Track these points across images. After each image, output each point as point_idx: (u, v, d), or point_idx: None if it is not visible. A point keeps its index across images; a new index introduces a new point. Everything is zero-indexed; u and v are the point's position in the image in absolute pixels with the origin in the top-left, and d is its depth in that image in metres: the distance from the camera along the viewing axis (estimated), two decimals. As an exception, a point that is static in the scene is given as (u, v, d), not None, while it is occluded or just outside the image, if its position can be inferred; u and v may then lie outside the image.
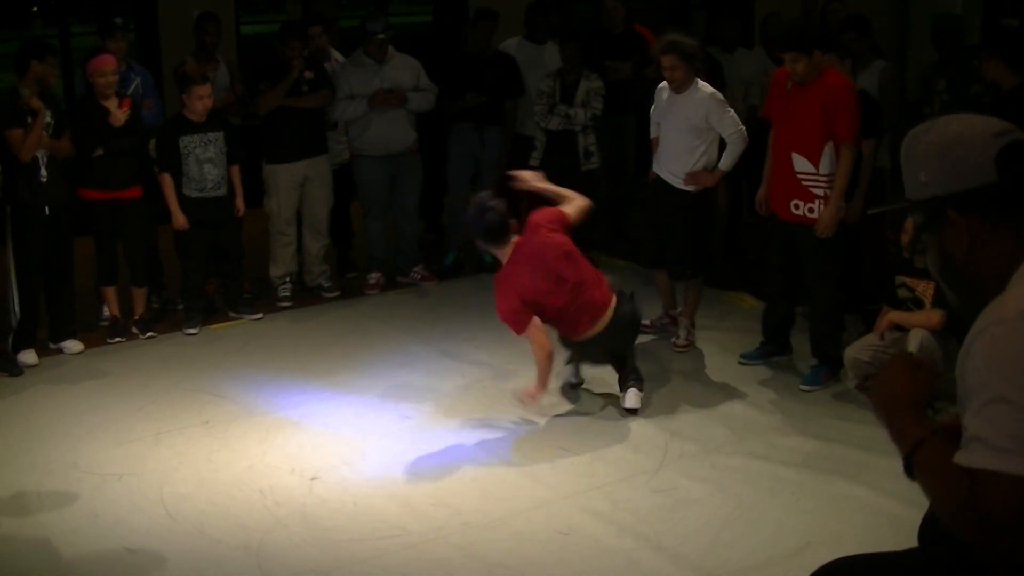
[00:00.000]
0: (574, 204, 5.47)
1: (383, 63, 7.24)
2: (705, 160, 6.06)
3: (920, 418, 2.06)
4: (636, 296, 5.57)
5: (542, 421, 5.36)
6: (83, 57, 6.84)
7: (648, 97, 6.39)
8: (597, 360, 5.55)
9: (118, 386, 5.86)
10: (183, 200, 6.52)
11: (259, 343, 6.50)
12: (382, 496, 4.63)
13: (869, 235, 6.32)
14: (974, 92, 6.39)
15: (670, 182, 6.11)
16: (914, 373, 2.11)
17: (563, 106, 7.44)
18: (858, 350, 5.47)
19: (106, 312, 6.63)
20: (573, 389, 5.64)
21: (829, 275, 5.64)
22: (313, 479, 4.80)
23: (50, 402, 5.66)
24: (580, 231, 7.87)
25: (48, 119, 5.99)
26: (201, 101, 6.44)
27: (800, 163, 5.53)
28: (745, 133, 6.01)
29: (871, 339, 5.45)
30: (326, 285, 7.33)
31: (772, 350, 6.04)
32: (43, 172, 6.01)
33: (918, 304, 5.39)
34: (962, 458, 1.89)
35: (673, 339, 6.31)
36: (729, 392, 5.70)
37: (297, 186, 7.12)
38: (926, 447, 2.00)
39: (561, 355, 5.46)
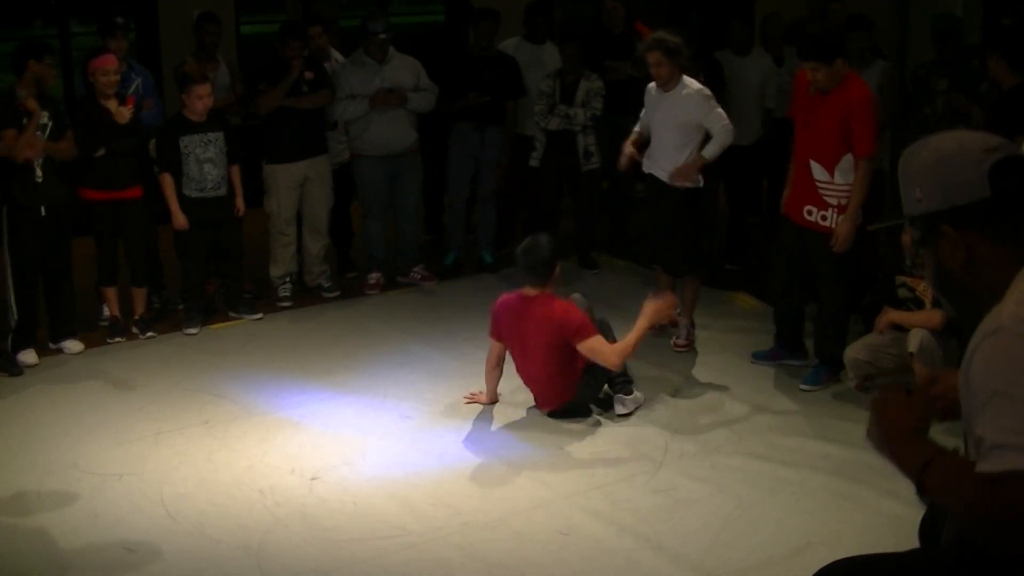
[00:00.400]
0: (602, 350, 5.25)
1: (383, 63, 7.25)
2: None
3: (920, 442, 2.06)
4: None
5: (543, 421, 5.36)
6: (83, 57, 6.83)
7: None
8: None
9: (118, 386, 5.86)
10: (183, 200, 6.52)
11: (259, 343, 6.50)
12: (382, 496, 4.64)
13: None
14: (982, 91, 6.40)
15: (663, 179, 6.10)
16: (906, 402, 2.12)
17: (563, 106, 7.45)
18: (858, 350, 5.48)
19: (106, 312, 6.63)
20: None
21: (841, 280, 5.61)
22: (313, 479, 4.80)
23: (50, 402, 5.66)
24: (581, 231, 7.96)
25: (46, 120, 5.98)
26: (201, 101, 6.43)
27: (817, 171, 5.49)
28: (731, 127, 5.99)
29: (871, 339, 5.46)
30: (326, 285, 7.33)
31: (784, 353, 6.00)
32: (38, 173, 6.00)
33: (918, 304, 5.39)
34: (984, 466, 1.88)
35: (674, 339, 6.31)
36: (729, 392, 5.70)
37: (297, 186, 7.12)
38: (934, 467, 1.99)
39: None
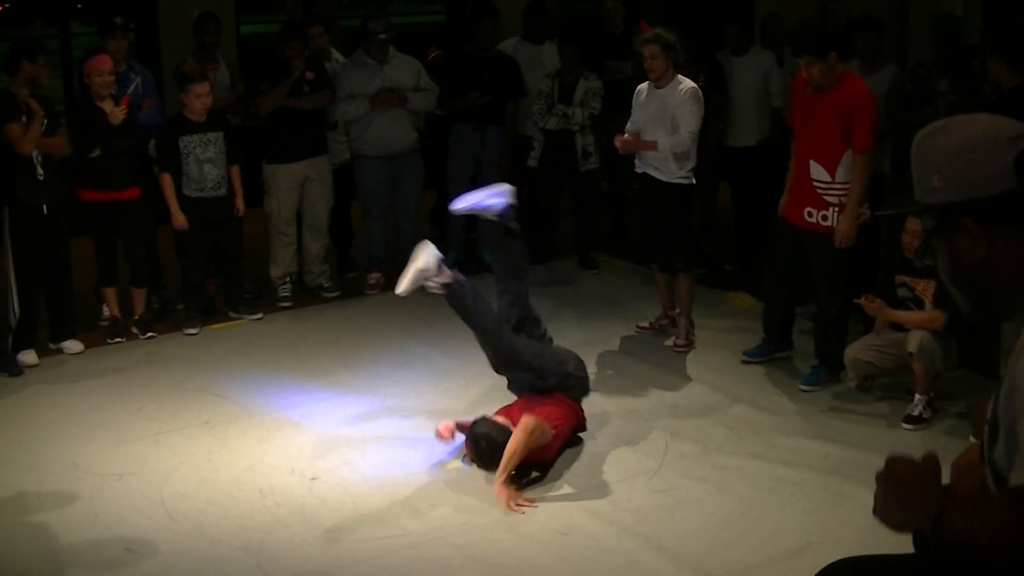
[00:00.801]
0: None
1: (383, 63, 7.25)
2: (691, 153, 6.04)
3: (930, 495, 1.90)
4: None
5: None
6: (82, 57, 6.83)
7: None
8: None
9: (118, 386, 5.86)
10: (183, 200, 6.52)
11: (259, 343, 6.50)
12: (382, 496, 4.63)
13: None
14: (984, 93, 6.39)
15: (657, 177, 6.10)
16: (914, 466, 1.96)
17: (561, 106, 7.45)
18: (858, 350, 5.48)
19: (106, 312, 6.63)
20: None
21: (841, 281, 5.61)
22: (313, 479, 4.80)
23: (50, 402, 5.66)
24: (581, 231, 7.96)
25: (42, 118, 5.99)
26: (199, 100, 6.43)
27: (816, 171, 5.49)
28: (693, 138, 5.94)
29: (871, 339, 5.46)
30: (326, 285, 7.33)
31: (774, 348, 6.03)
32: (40, 171, 6.00)
33: (918, 304, 5.39)
34: (1018, 477, 1.79)
35: (673, 339, 6.30)
36: (729, 392, 5.70)
37: (297, 186, 7.12)
38: (949, 508, 1.86)
39: None
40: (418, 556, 4.18)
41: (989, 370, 5.40)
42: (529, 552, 4.19)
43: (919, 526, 1.92)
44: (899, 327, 5.36)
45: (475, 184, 7.83)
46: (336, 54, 7.62)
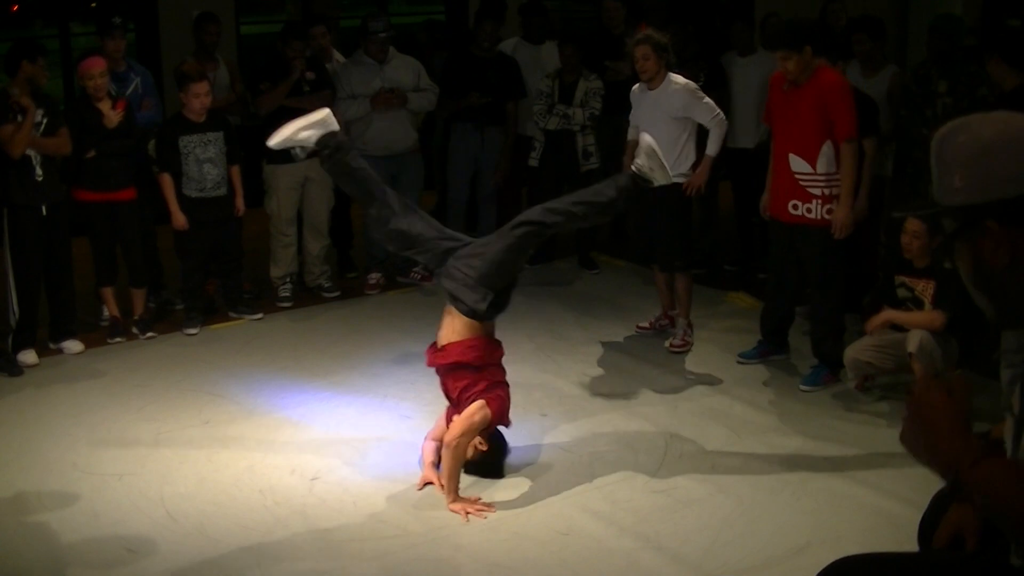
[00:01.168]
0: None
1: (384, 63, 7.25)
2: (688, 151, 6.05)
3: (968, 437, 1.87)
4: None
5: (543, 421, 5.36)
6: (78, 58, 6.83)
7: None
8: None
9: (118, 386, 5.86)
10: (183, 200, 6.52)
11: (259, 343, 6.50)
12: (382, 496, 4.63)
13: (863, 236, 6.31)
14: (980, 95, 6.38)
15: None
16: (948, 399, 1.93)
17: (561, 106, 7.46)
18: (858, 350, 5.48)
19: (106, 312, 6.63)
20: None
21: (833, 277, 5.63)
22: (313, 479, 4.80)
23: (50, 402, 5.66)
24: (581, 231, 7.95)
25: (39, 118, 5.98)
26: (199, 99, 6.43)
27: (797, 163, 5.53)
28: (723, 117, 6.04)
29: (870, 339, 5.46)
30: (326, 285, 7.33)
31: (769, 349, 6.05)
32: (38, 172, 6.00)
33: (918, 304, 5.39)
34: None
35: (670, 340, 6.30)
36: (729, 392, 5.70)
37: (298, 186, 7.12)
38: (984, 466, 1.82)
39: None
40: (418, 556, 4.17)
41: (989, 370, 5.40)
42: (529, 552, 4.19)
43: (947, 466, 1.86)
44: (899, 327, 5.36)
45: (475, 184, 7.87)
46: (337, 54, 7.62)
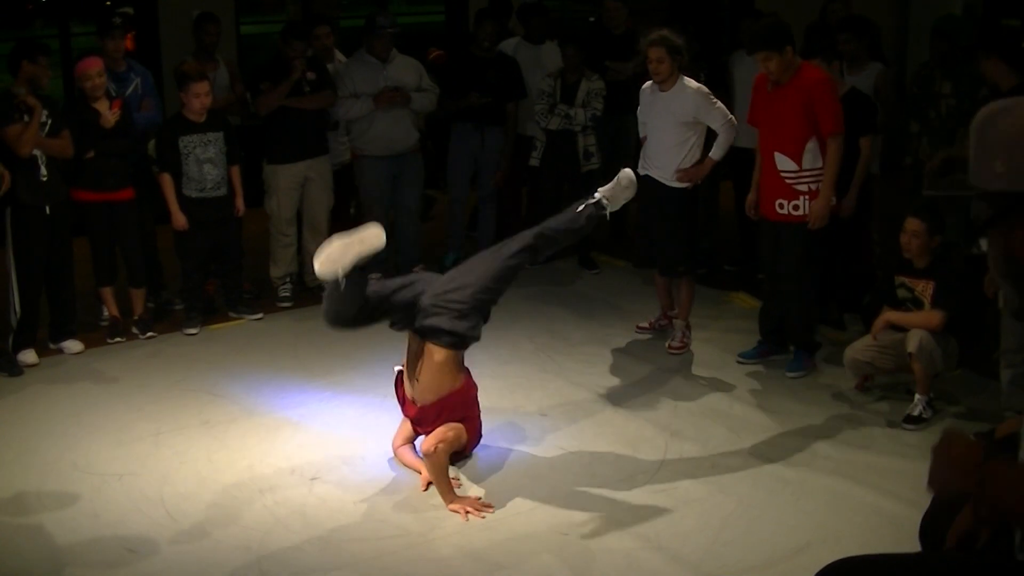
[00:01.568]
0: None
1: (387, 61, 7.25)
2: (694, 154, 6.06)
3: (977, 455, 1.91)
4: None
5: (543, 421, 5.36)
6: (77, 58, 6.83)
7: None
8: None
9: (118, 386, 5.86)
10: (183, 200, 6.51)
11: (259, 343, 6.50)
12: (382, 496, 4.64)
13: (853, 234, 6.32)
14: (982, 96, 6.38)
15: (660, 180, 6.11)
16: (972, 442, 1.97)
17: (563, 106, 7.45)
18: (858, 350, 5.48)
19: (106, 312, 6.63)
20: None
21: (805, 269, 5.70)
22: (313, 479, 4.80)
23: (50, 402, 5.66)
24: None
25: (44, 118, 5.99)
26: (199, 99, 6.43)
27: (783, 162, 5.58)
28: (734, 121, 6.03)
29: (870, 339, 5.46)
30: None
31: (769, 349, 6.05)
32: (43, 172, 6.01)
33: (918, 304, 5.39)
34: None
35: (668, 341, 6.30)
36: (729, 392, 5.71)
37: (298, 186, 7.12)
38: (1005, 470, 1.85)
39: None
40: (418, 556, 4.18)
41: (989, 370, 5.41)
42: (529, 552, 4.19)
43: (961, 482, 1.90)
44: (899, 328, 5.36)
45: (475, 184, 7.87)
46: (339, 54, 7.62)
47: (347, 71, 7.28)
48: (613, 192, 5.05)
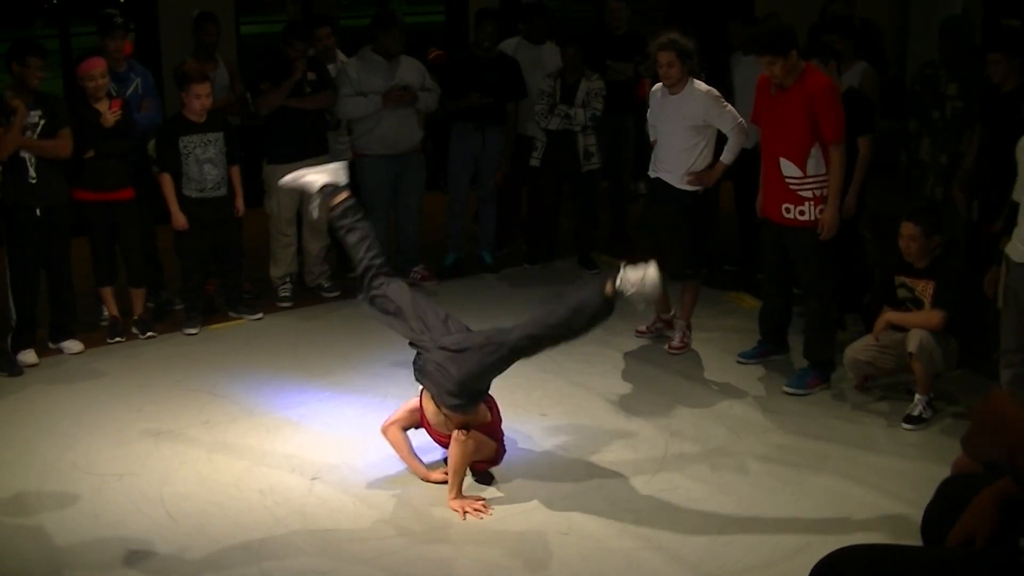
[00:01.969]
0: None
1: (394, 60, 7.25)
2: (705, 157, 6.07)
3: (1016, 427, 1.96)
4: None
5: (543, 421, 5.36)
6: (78, 58, 6.83)
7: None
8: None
9: (118, 386, 5.85)
10: (183, 200, 6.51)
11: (259, 343, 6.50)
12: (382, 496, 4.64)
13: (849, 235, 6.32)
14: (980, 95, 6.38)
15: (670, 183, 6.10)
16: (1011, 400, 2.04)
17: (563, 106, 7.45)
18: (858, 350, 5.48)
19: (106, 312, 6.63)
20: None
21: (824, 277, 5.64)
22: (313, 479, 4.80)
23: (50, 402, 5.66)
24: (581, 231, 7.96)
25: (37, 119, 5.98)
26: (199, 100, 6.43)
27: (787, 167, 5.53)
28: (744, 125, 6.02)
29: (871, 339, 5.46)
30: (326, 285, 7.33)
31: (769, 349, 6.05)
32: (32, 174, 5.99)
33: (918, 304, 5.39)
34: None
35: (668, 342, 6.30)
36: (729, 392, 5.71)
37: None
38: None
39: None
40: (418, 556, 4.18)
41: (989, 370, 5.41)
42: (529, 552, 4.19)
43: (998, 453, 1.96)
44: (899, 328, 5.36)
45: (475, 184, 7.87)
46: (341, 55, 7.62)
47: (350, 70, 7.26)
48: (632, 291, 4.52)
